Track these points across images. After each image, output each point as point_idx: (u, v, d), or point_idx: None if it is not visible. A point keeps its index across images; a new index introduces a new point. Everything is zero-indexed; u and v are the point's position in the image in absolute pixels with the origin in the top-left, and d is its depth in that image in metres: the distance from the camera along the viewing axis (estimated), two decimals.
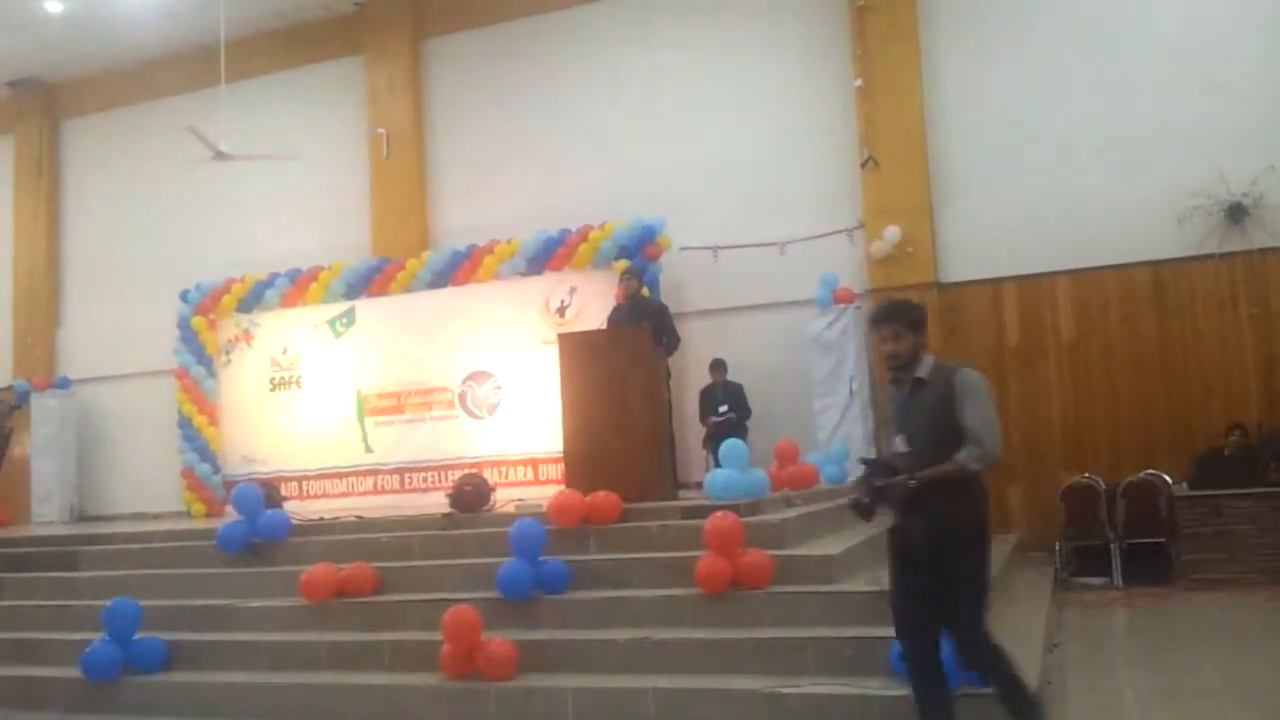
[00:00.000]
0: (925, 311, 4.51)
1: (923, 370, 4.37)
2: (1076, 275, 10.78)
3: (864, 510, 4.42)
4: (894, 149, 11.26)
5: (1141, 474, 10.10)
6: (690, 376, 11.03)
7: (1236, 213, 10.17)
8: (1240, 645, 7.22)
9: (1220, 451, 9.78)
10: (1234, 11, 10.59)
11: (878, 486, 4.32)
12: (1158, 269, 10.54)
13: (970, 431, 4.21)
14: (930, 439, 4.28)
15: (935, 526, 4.22)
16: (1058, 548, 10.07)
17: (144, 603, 7.19)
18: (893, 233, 11.08)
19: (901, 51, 11.37)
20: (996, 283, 11.05)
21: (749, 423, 10.65)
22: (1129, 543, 9.86)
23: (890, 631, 5.49)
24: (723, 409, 10.61)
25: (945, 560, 4.23)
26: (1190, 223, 10.24)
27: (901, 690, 5.09)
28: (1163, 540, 9.75)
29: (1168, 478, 9.97)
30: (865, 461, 4.55)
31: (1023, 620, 6.98)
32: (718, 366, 10.93)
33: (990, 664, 4.29)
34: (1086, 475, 10.30)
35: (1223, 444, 9.81)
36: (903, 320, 4.38)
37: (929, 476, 4.22)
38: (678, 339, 9.58)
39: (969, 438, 4.20)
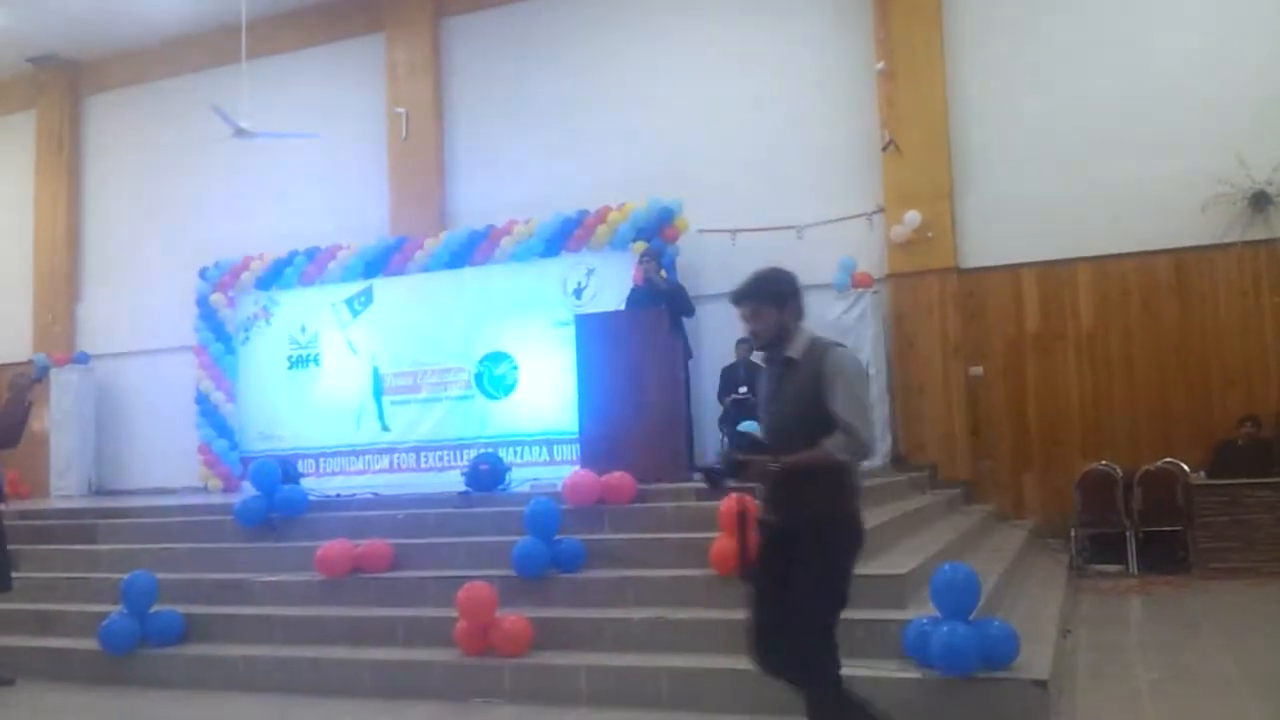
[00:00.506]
0: (794, 283, 4.04)
1: (794, 349, 3.92)
2: (1097, 262, 10.70)
3: (712, 478, 4.02)
4: (915, 133, 11.19)
5: (1159, 462, 10.05)
6: (706, 358, 11.01)
7: (1260, 201, 10.08)
8: (1255, 633, 7.20)
9: (1234, 442, 9.74)
10: (1260, 1, 10.48)
11: (738, 460, 3.90)
12: (1179, 257, 10.46)
13: (839, 419, 3.76)
14: (799, 424, 3.84)
15: (794, 519, 3.86)
16: (1073, 534, 10.04)
17: (161, 576, 7.29)
18: (913, 217, 11.02)
19: (924, 34, 11.29)
20: (1017, 269, 10.99)
21: None
22: (1145, 530, 9.82)
23: (904, 614, 5.54)
24: (743, 389, 10.58)
25: (797, 556, 3.82)
26: (1213, 211, 10.16)
27: (915, 673, 5.11)
28: (1179, 528, 9.71)
29: (1185, 466, 9.92)
30: (738, 432, 4.30)
31: (1037, 606, 6.99)
32: (743, 345, 10.87)
33: (820, 686, 3.91)
34: (1104, 462, 10.26)
35: (1235, 435, 9.78)
36: (761, 295, 3.96)
37: (793, 462, 3.81)
38: (692, 309, 9.83)
39: (839, 425, 3.76)
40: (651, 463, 7.65)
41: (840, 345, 3.96)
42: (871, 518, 7.31)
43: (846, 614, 5.67)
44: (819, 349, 3.89)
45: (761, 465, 3.86)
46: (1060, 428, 10.73)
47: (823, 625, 3.86)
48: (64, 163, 15.80)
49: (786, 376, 3.94)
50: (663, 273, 10.25)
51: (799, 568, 3.81)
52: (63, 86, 15.89)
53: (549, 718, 5.55)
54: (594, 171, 12.43)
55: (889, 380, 11.02)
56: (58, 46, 15.47)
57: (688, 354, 9.41)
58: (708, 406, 10.92)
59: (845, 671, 5.20)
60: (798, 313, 3.98)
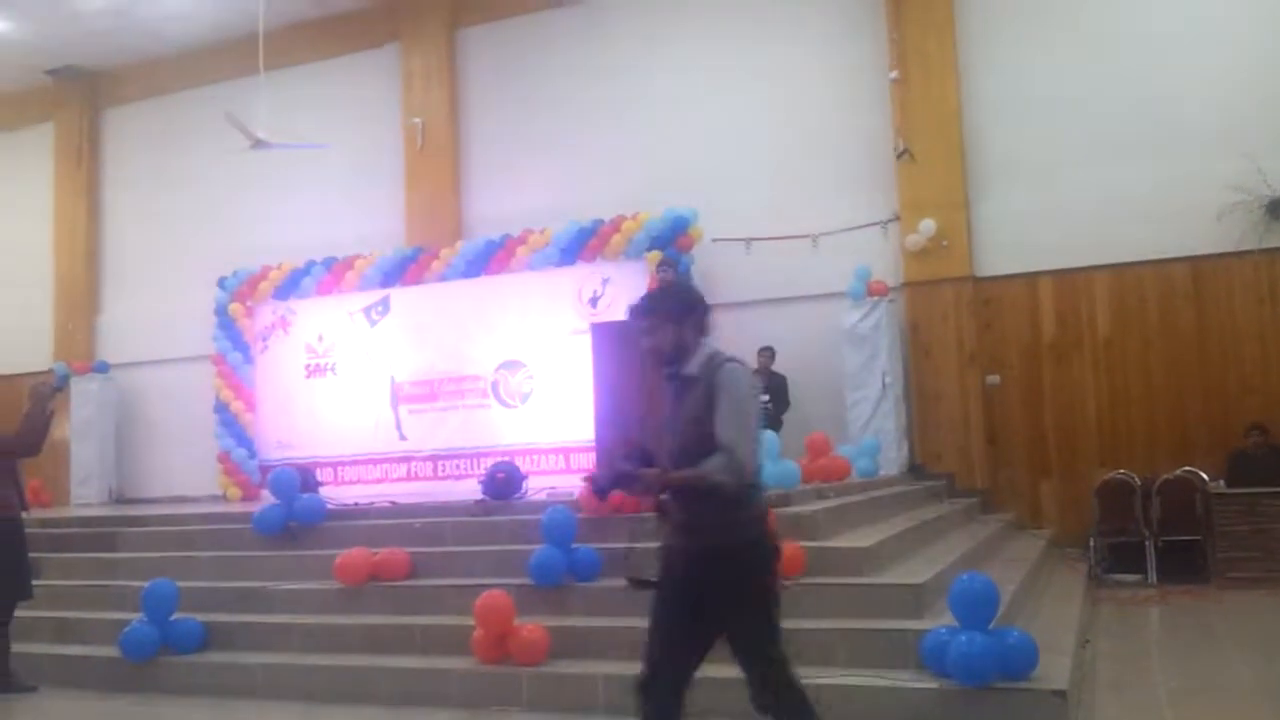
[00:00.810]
0: (692, 298, 3.89)
1: (693, 365, 3.75)
2: (1114, 270, 10.68)
3: (597, 488, 3.96)
4: (930, 141, 11.20)
5: (1178, 471, 10.00)
6: None
7: (1276, 209, 10.04)
8: (1275, 644, 7.15)
9: (1247, 451, 9.71)
10: (1277, 8, 10.44)
11: (624, 471, 3.74)
12: (1196, 265, 10.42)
13: (719, 438, 3.56)
14: (694, 443, 3.63)
15: (696, 546, 3.67)
16: (1091, 544, 10.00)
17: (181, 584, 7.32)
18: (928, 225, 11.02)
19: (938, 42, 11.30)
20: (1033, 277, 10.97)
21: (784, 415, 10.63)
22: (1164, 540, 9.77)
23: (922, 624, 5.53)
24: (763, 398, 10.58)
25: (711, 589, 3.63)
26: (1229, 219, 10.12)
27: (932, 683, 5.11)
28: (1198, 538, 9.66)
29: (1204, 475, 9.87)
30: (630, 446, 3.89)
31: (1056, 616, 6.96)
32: (764, 353, 10.90)
33: (799, 708, 3.71)
34: (1122, 471, 10.22)
35: (1243, 444, 9.77)
36: (659, 312, 3.82)
37: (676, 480, 3.65)
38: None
39: (719, 445, 3.55)
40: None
41: (735, 361, 3.76)
42: (888, 528, 7.36)
43: (862, 623, 5.72)
44: (714, 365, 3.72)
45: (648, 478, 3.69)
46: (1078, 436, 10.70)
47: (778, 657, 3.70)
48: (83, 174, 15.94)
49: (684, 394, 3.77)
50: None
51: (726, 606, 3.65)
52: (81, 99, 16.03)
53: None
54: (609, 181, 12.47)
55: (905, 389, 11.02)
56: (76, 59, 15.61)
57: None
58: None
59: (863, 682, 5.25)
60: (698, 329, 3.83)
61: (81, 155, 15.95)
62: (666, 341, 3.80)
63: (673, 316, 3.80)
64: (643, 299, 3.94)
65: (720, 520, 3.62)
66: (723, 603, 3.64)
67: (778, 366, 10.92)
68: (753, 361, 10.86)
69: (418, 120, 13.64)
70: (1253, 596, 8.66)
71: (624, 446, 3.81)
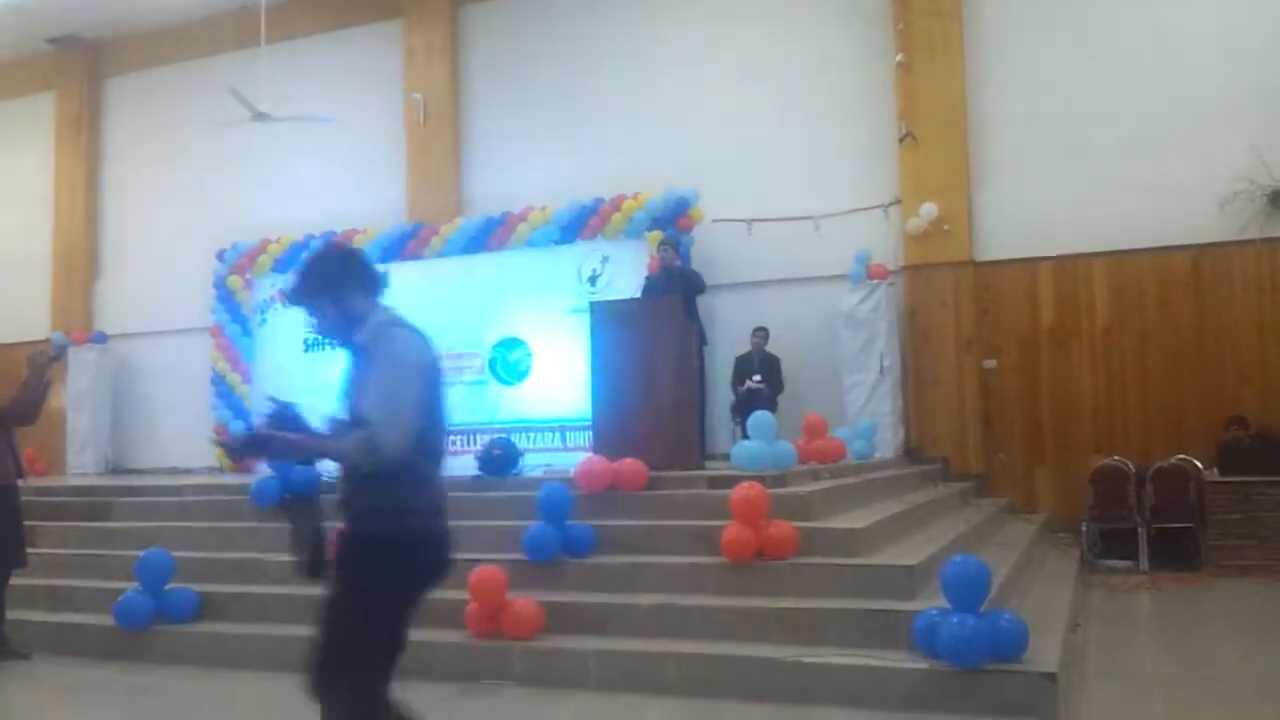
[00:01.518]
0: (341, 263, 3.48)
1: (365, 332, 3.35)
2: (1113, 257, 10.67)
3: (231, 449, 3.71)
4: (933, 125, 11.16)
5: (1172, 459, 10.02)
6: (720, 348, 11.02)
7: (1278, 198, 10.02)
8: (1264, 631, 7.18)
9: (1234, 442, 9.75)
10: None
11: (261, 434, 3.36)
12: (1196, 253, 10.42)
13: (363, 412, 3.18)
14: (352, 417, 3.27)
15: (346, 528, 3.31)
16: (1084, 529, 10.03)
17: (176, 554, 7.33)
18: (929, 209, 11.00)
19: (944, 27, 11.25)
20: (1032, 263, 10.96)
21: (779, 396, 10.65)
22: (1156, 527, 9.81)
23: (914, 605, 5.56)
24: (755, 379, 10.60)
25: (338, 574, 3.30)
26: (1231, 208, 10.11)
27: (923, 664, 5.13)
28: (1191, 525, 9.69)
29: (1198, 463, 9.89)
30: (279, 405, 3.43)
31: (1047, 600, 6.99)
32: (759, 334, 10.91)
33: (339, 710, 3.33)
34: (1116, 458, 10.24)
35: (1225, 437, 9.81)
36: (309, 290, 3.43)
37: (309, 446, 3.37)
38: (703, 286, 9.93)
39: (363, 419, 3.17)
40: (663, 450, 7.67)
41: (398, 325, 3.37)
42: (882, 509, 7.38)
43: (853, 603, 5.74)
44: (378, 332, 3.32)
45: (279, 445, 3.35)
46: (1073, 422, 10.72)
47: (354, 642, 3.30)
48: (83, 144, 15.89)
49: (357, 363, 3.36)
50: (677, 261, 10.25)
51: (336, 595, 3.31)
52: (82, 68, 15.96)
53: (557, 701, 5.59)
54: (611, 159, 12.43)
55: (902, 372, 11.03)
56: (77, 28, 15.54)
57: (702, 340, 9.39)
58: (721, 395, 10.95)
59: (854, 662, 5.27)
60: (363, 289, 3.43)
61: (82, 125, 15.89)
62: (330, 319, 3.41)
63: (326, 287, 3.39)
64: (292, 282, 3.50)
65: (358, 506, 3.27)
66: (340, 575, 3.29)
67: (774, 347, 10.92)
68: (747, 343, 10.90)
69: (418, 96, 13.59)
70: (1244, 584, 8.70)
71: (279, 406, 3.39)
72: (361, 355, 3.33)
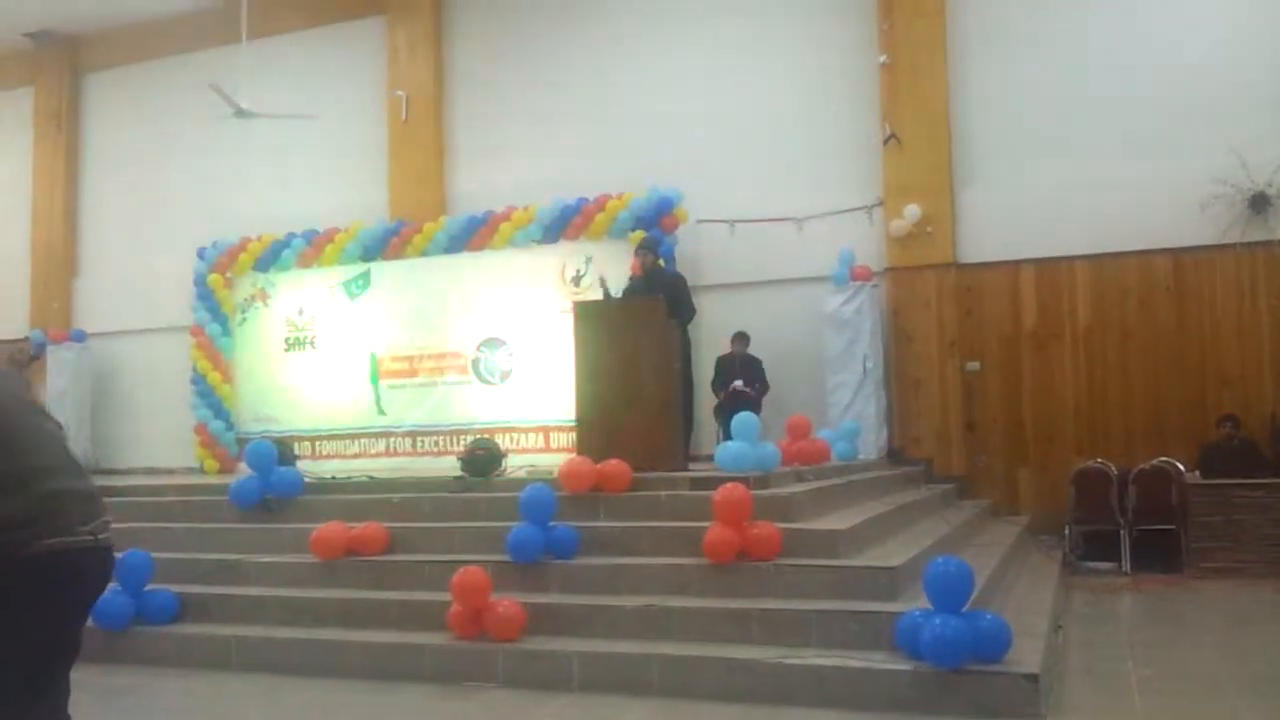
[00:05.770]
0: None
1: None
2: (1095, 260, 10.71)
3: None
4: (917, 127, 11.18)
5: (1154, 461, 10.07)
6: (704, 350, 11.01)
7: (1259, 202, 10.09)
8: (1245, 633, 7.22)
9: (1219, 444, 9.79)
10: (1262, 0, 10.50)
11: None
12: (1178, 257, 10.47)
13: None
14: None
15: None
16: (1066, 531, 10.07)
17: (156, 555, 7.26)
18: (913, 211, 11.02)
19: (928, 29, 11.27)
20: (1015, 265, 10.99)
21: (763, 398, 10.64)
22: (1138, 529, 9.84)
23: (896, 606, 5.56)
24: (738, 383, 10.59)
25: None
26: (1212, 211, 10.17)
27: (905, 664, 5.13)
28: (1172, 527, 9.73)
29: (1180, 466, 9.94)
30: None
31: (1029, 601, 7.01)
32: (739, 338, 10.90)
33: None
34: (1099, 460, 10.28)
35: (1215, 436, 9.83)
36: None
37: None
38: (693, 311, 9.45)
39: None
40: (647, 451, 7.65)
41: None
42: (865, 511, 7.39)
43: (836, 604, 5.73)
44: None
45: None
46: (1056, 425, 10.76)
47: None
48: (62, 140, 15.74)
49: None
50: (660, 262, 10.12)
51: None
52: (62, 63, 15.81)
53: (540, 703, 5.57)
54: (595, 159, 12.39)
55: (885, 374, 11.04)
56: (57, 22, 15.40)
57: (687, 344, 9.32)
58: (706, 397, 10.94)
59: (837, 663, 5.27)
60: None
61: (61, 120, 15.74)
62: None
63: None
64: None
65: None
66: None
67: (756, 349, 10.91)
68: (726, 347, 10.88)
69: (401, 92, 13.52)
70: (1225, 586, 8.74)
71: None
72: None
